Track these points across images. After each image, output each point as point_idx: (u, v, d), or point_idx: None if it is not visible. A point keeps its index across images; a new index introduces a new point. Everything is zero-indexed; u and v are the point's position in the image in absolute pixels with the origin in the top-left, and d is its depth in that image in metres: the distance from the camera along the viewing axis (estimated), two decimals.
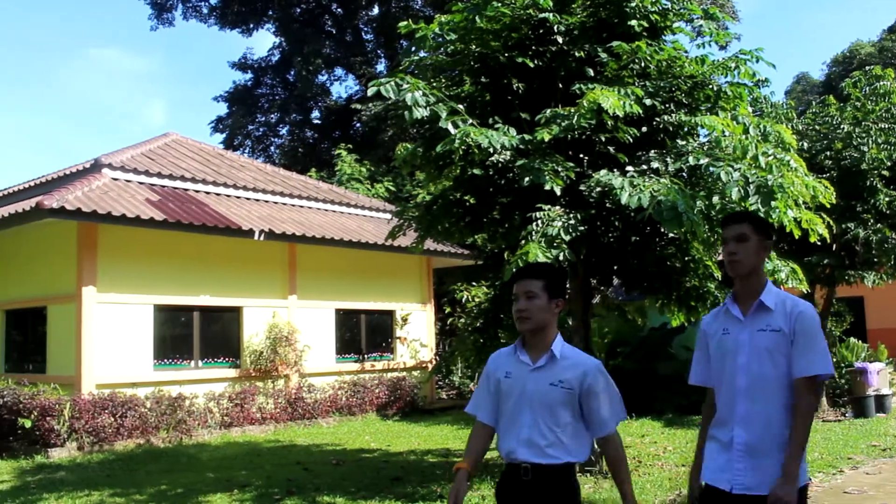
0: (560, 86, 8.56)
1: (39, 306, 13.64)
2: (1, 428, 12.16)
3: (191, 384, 13.74)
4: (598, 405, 3.43)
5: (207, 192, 15.74)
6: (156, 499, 8.48)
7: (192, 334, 14.26)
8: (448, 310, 21.69)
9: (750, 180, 7.04)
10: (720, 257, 13.22)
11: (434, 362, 18.17)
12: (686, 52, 8.81)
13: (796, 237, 7.81)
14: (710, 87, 8.32)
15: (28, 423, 11.60)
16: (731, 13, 29.16)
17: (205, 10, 36.34)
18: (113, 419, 12.15)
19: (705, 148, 7.97)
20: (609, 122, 7.60)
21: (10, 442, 12.03)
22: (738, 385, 3.39)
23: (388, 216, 15.52)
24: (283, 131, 37.39)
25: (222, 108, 44.12)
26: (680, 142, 8.31)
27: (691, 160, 7.53)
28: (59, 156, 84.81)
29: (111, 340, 12.86)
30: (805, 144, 13.18)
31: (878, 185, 13.03)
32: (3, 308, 14.49)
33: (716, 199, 7.36)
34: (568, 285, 9.39)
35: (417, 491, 8.27)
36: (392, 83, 7.42)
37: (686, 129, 8.37)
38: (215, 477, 9.67)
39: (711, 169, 7.24)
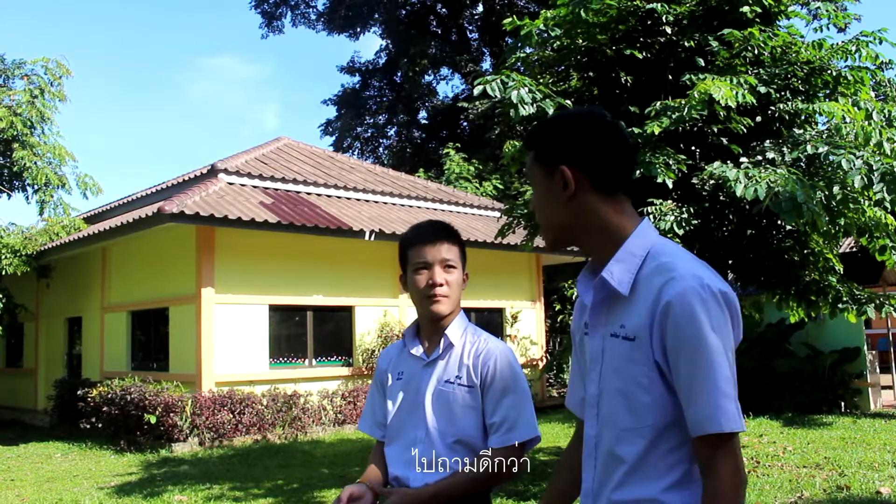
0: (669, 77, 8.35)
1: (162, 307, 14.18)
2: (128, 423, 12.73)
3: (305, 382, 14.05)
4: (493, 406, 2.50)
5: (318, 194, 16.07)
6: (273, 493, 8.69)
7: (305, 333, 14.57)
8: (558, 307, 21.51)
9: (874, 168, 6.67)
10: (842, 250, 12.64)
11: (544, 360, 18.08)
12: (802, 36, 8.48)
13: None
14: (829, 72, 7.94)
15: (153, 419, 12.11)
16: None
17: (313, 17, 37.31)
18: (231, 416, 12.54)
19: (824, 136, 7.62)
20: (721, 113, 7.39)
21: (137, 436, 12.57)
22: None
23: (497, 214, 15.51)
24: (391, 132, 37.86)
25: (331, 112, 45.16)
26: (797, 130, 7.99)
27: (809, 149, 7.19)
28: (178, 160, 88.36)
29: (229, 340, 13.26)
30: None
31: None
32: (129, 309, 15.14)
33: (836, 188, 7.02)
34: None
35: (529, 489, 8.22)
36: (498, 81, 7.38)
37: (803, 118, 8.03)
38: (329, 473, 9.86)
39: (831, 157, 6.89)
